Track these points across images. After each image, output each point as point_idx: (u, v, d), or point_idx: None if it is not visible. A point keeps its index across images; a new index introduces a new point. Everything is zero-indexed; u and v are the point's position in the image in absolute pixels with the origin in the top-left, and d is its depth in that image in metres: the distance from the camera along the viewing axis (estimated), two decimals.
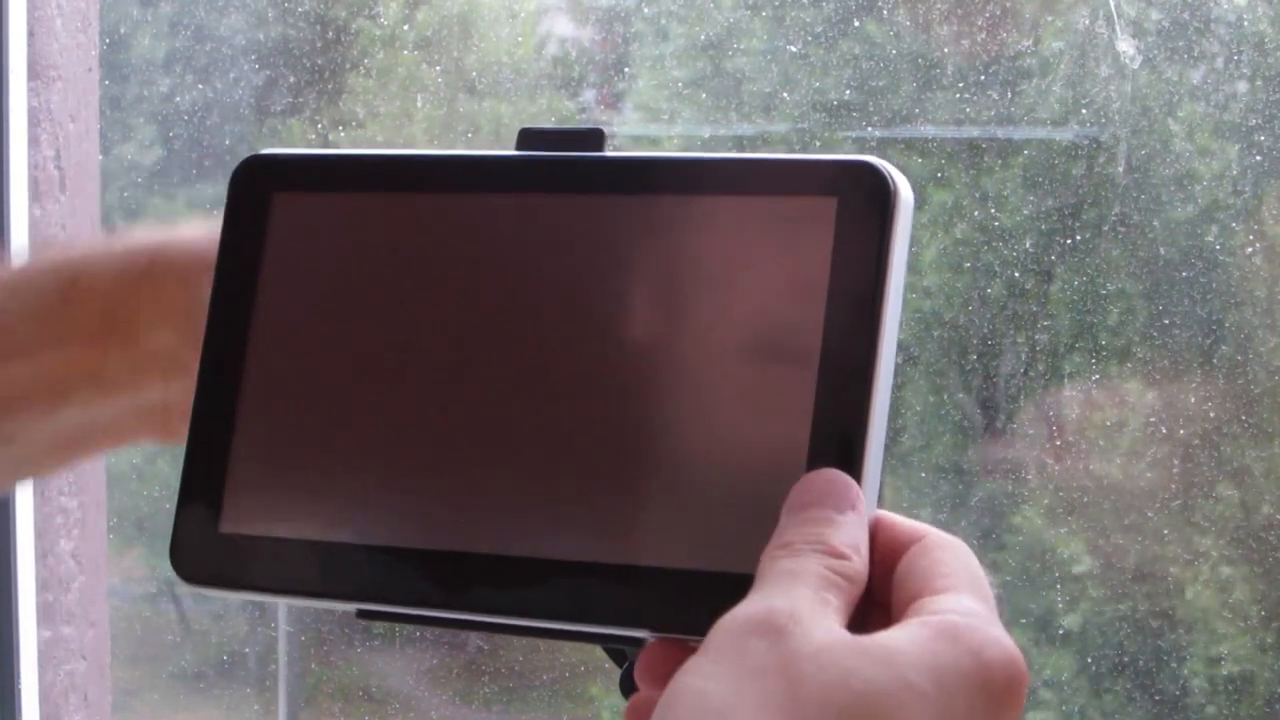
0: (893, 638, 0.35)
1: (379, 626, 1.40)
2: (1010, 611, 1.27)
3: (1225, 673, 1.22)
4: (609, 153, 0.43)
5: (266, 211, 0.45)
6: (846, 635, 0.35)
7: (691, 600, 0.39)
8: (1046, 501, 1.26)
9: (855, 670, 0.34)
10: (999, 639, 0.35)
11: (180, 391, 0.50)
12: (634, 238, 0.42)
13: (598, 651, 0.44)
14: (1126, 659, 1.25)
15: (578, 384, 0.41)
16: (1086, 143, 1.22)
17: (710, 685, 0.34)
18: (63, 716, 1.21)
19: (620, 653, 0.44)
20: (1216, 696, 1.22)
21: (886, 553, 0.39)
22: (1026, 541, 1.26)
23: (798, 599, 0.36)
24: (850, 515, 0.38)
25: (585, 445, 0.41)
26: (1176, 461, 1.22)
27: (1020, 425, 1.27)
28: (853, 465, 0.39)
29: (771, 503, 0.39)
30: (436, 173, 0.44)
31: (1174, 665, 1.23)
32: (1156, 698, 1.23)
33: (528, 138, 0.44)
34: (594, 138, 0.43)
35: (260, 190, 0.45)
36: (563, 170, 0.43)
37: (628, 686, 0.42)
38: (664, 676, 0.37)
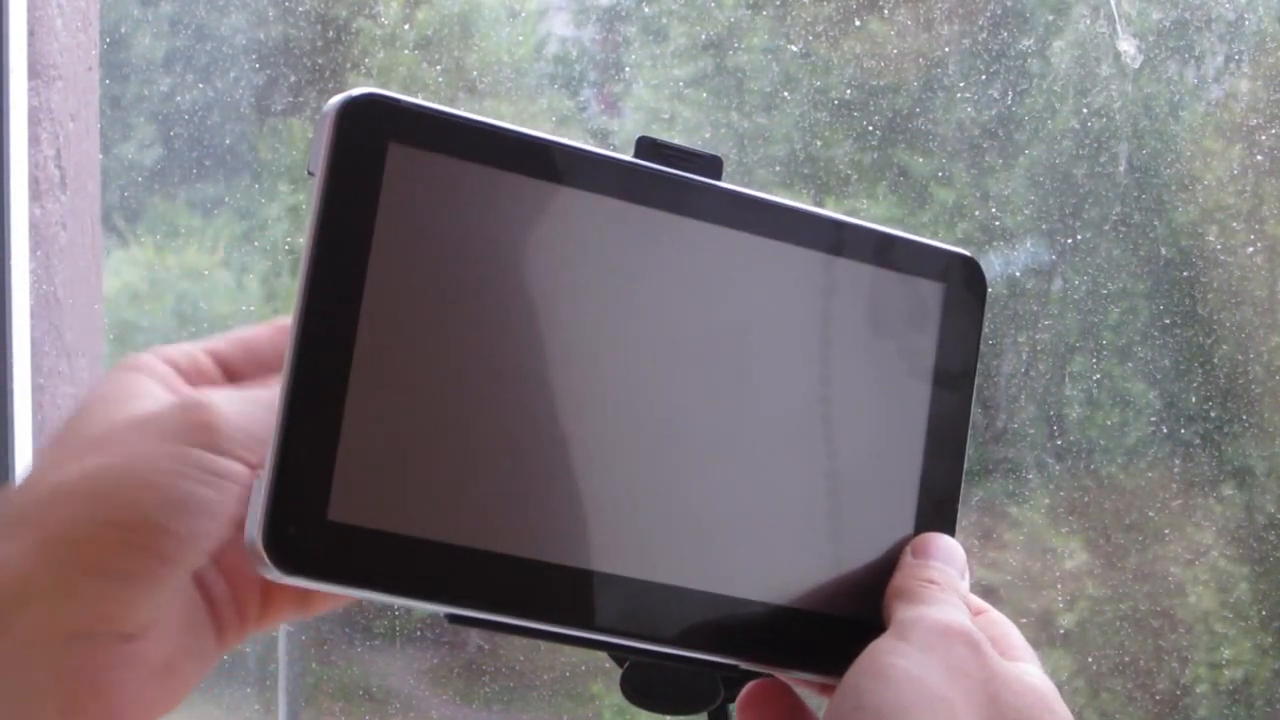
0: (1038, 675, 0.42)
1: (379, 626, 1.40)
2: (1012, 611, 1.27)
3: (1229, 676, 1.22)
4: (740, 187, 0.44)
5: (380, 164, 0.40)
6: (1016, 666, 0.41)
7: (815, 640, 0.43)
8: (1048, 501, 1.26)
9: (1035, 704, 0.40)
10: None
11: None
12: (768, 283, 0.43)
13: (598, 652, 0.44)
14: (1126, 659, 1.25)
15: (712, 419, 0.43)
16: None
17: (922, 672, 0.38)
18: None
19: (621, 655, 0.44)
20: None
21: None
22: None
23: (968, 619, 0.42)
24: (965, 582, 0.44)
25: (724, 483, 0.43)
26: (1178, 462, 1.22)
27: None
28: (952, 530, 0.44)
29: (878, 555, 0.44)
30: (572, 164, 0.42)
31: (1175, 666, 1.23)
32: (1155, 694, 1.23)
33: (646, 148, 0.43)
34: (714, 165, 0.44)
35: (374, 138, 0.40)
36: (698, 194, 0.43)
37: (641, 688, 0.43)
38: (775, 712, 0.43)
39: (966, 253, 0.46)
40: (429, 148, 0.41)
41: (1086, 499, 1.25)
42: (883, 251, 0.45)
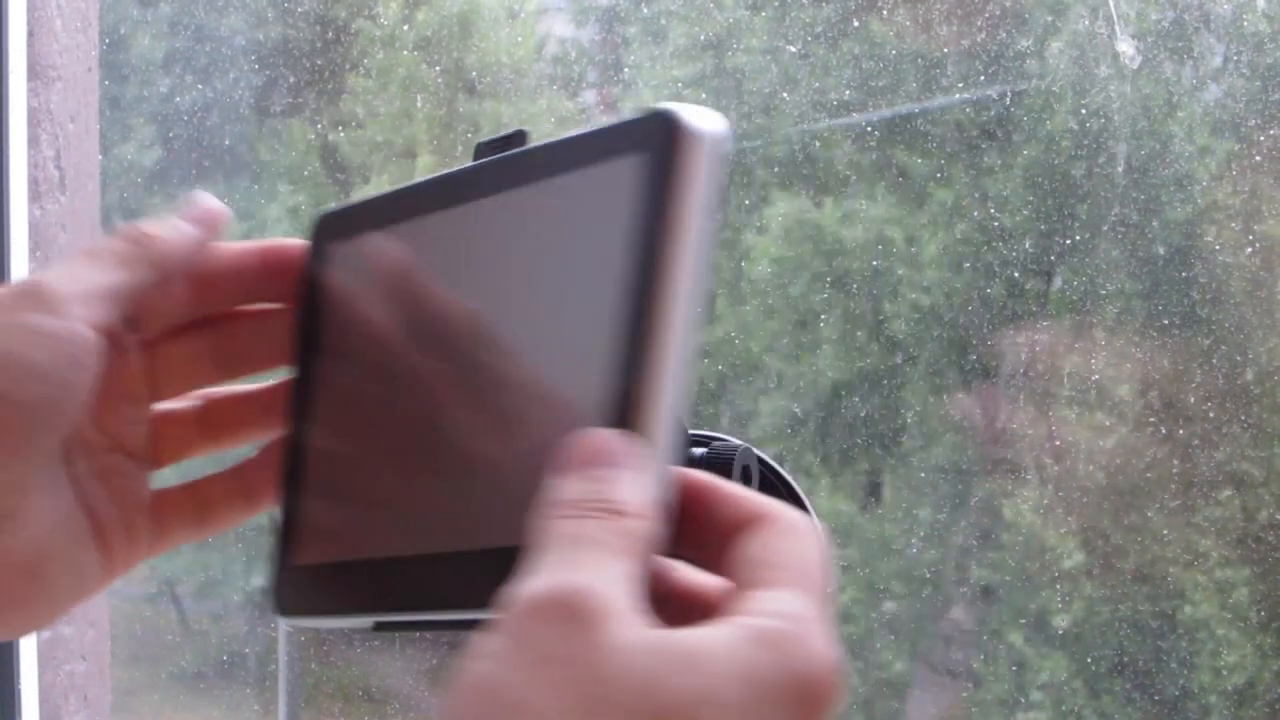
0: (704, 639, 0.33)
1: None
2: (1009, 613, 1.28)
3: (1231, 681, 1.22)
4: (496, 156, 0.43)
5: (322, 263, 0.46)
6: (652, 634, 0.33)
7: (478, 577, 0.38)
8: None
9: (661, 676, 0.32)
10: (816, 651, 0.33)
11: None
12: (471, 240, 0.43)
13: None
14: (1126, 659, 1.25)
15: (422, 390, 0.43)
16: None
17: (500, 671, 0.32)
18: (63, 716, 1.21)
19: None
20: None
21: (724, 528, 0.37)
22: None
23: (592, 574, 0.33)
24: (628, 473, 0.35)
25: (415, 446, 0.42)
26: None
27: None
28: (636, 424, 0.36)
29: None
30: (422, 195, 0.45)
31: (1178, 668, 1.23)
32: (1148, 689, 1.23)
33: (481, 150, 0.44)
34: (515, 139, 0.43)
35: (317, 243, 0.47)
36: (476, 178, 0.43)
37: None
38: None
39: (663, 108, 0.38)
40: (349, 234, 0.46)
41: None
42: (565, 157, 0.40)
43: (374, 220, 0.46)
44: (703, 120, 0.38)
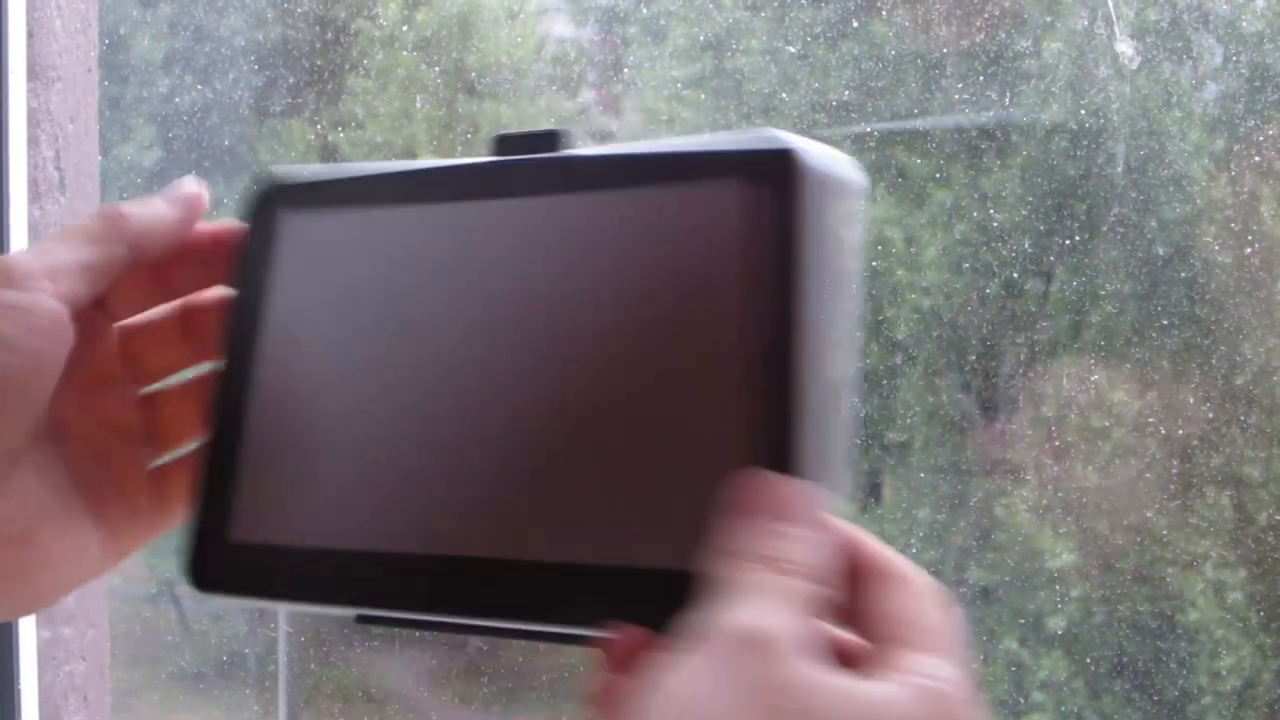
0: (884, 693, 0.35)
1: (378, 626, 1.40)
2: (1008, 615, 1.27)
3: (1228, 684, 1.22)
4: (554, 154, 0.43)
5: (273, 230, 0.46)
6: (835, 677, 0.35)
7: (648, 596, 0.39)
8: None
9: (841, 717, 0.34)
10: (974, 717, 0.36)
11: (10, 508, 0.44)
12: (565, 238, 0.42)
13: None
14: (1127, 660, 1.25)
15: (530, 388, 0.41)
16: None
17: (702, 690, 0.34)
18: (63, 717, 1.21)
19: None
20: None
21: (852, 574, 0.39)
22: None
23: (779, 619, 0.36)
24: (801, 532, 0.37)
25: (536, 447, 0.41)
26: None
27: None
28: (792, 465, 0.37)
29: (708, 499, 0.38)
30: (421, 184, 0.45)
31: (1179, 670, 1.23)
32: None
33: (500, 142, 0.44)
34: (555, 139, 0.43)
35: (268, 210, 0.47)
36: (518, 174, 0.43)
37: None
38: (635, 664, 0.38)
39: (776, 138, 0.39)
40: (314, 207, 0.46)
41: None
42: (666, 170, 0.40)
43: (369, 198, 0.45)
44: (833, 164, 0.39)
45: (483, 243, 0.43)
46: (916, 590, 0.38)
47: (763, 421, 0.38)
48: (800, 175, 0.38)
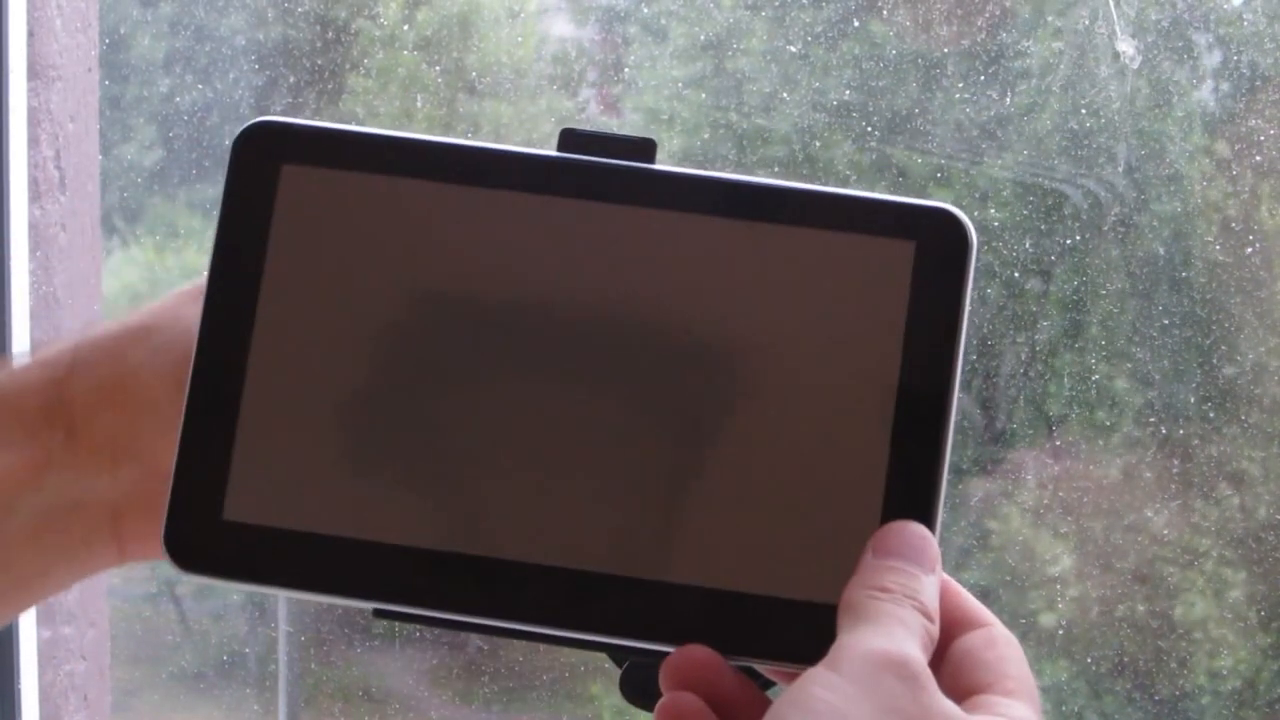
0: None
1: (378, 626, 1.40)
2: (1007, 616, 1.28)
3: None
4: (663, 166, 0.42)
5: (274, 184, 0.44)
6: (960, 711, 0.38)
7: (762, 623, 0.41)
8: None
9: None
10: None
11: (131, 484, 0.46)
12: (696, 259, 0.41)
13: (598, 653, 0.44)
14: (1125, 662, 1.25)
15: (630, 399, 0.41)
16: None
17: (846, 706, 0.36)
18: (63, 716, 1.21)
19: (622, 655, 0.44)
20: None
21: (947, 621, 0.42)
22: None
23: (915, 650, 0.38)
24: (932, 579, 0.40)
25: (632, 461, 0.41)
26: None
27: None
28: (928, 516, 0.40)
29: (838, 536, 0.40)
30: (473, 164, 0.42)
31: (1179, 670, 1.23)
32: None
33: (571, 139, 0.43)
34: (646, 148, 0.42)
35: (268, 161, 0.44)
36: (617, 179, 0.42)
37: (640, 689, 0.42)
38: (702, 682, 0.40)
39: (947, 206, 0.41)
40: (325, 164, 0.43)
41: None
42: (834, 214, 0.41)
43: (402, 167, 0.43)
44: (971, 227, 0.41)
45: (580, 243, 0.42)
46: (1004, 640, 0.41)
47: (913, 472, 0.40)
48: (970, 242, 0.41)
